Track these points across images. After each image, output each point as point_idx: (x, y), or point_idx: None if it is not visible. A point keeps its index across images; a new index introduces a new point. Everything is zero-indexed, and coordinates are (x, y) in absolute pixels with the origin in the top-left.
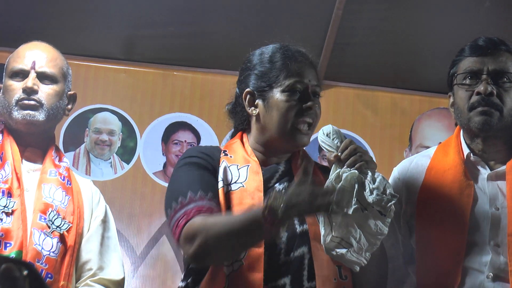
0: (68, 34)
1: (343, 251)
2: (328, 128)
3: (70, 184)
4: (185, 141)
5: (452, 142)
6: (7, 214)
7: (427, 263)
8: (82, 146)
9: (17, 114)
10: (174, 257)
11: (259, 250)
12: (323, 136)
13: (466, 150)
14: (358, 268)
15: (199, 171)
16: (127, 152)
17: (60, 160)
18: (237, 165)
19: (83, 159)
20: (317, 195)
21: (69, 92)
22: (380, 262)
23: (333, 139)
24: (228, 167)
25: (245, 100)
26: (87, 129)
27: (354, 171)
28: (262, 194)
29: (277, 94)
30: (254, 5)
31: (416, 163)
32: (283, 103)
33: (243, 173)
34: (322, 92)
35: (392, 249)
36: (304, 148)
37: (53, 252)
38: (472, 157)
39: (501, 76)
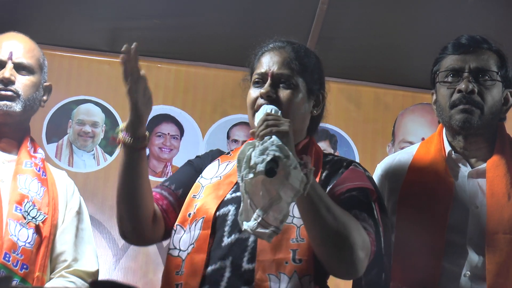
0: (52, 25)
1: (253, 224)
2: (257, 112)
3: (45, 175)
4: (168, 133)
5: (434, 140)
6: None
7: (405, 261)
8: (65, 138)
9: None
10: (156, 250)
11: (206, 232)
12: (256, 118)
13: (447, 148)
14: (270, 240)
15: (184, 167)
16: (110, 144)
17: (35, 151)
18: (229, 161)
19: (66, 150)
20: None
21: (45, 84)
22: (344, 233)
23: (258, 118)
24: (220, 164)
25: None
26: (70, 120)
27: (251, 141)
28: (232, 185)
29: (250, 89)
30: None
31: (399, 160)
32: (248, 96)
33: (229, 167)
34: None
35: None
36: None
37: (28, 243)
38: (453, 154)
39: (482, 74)
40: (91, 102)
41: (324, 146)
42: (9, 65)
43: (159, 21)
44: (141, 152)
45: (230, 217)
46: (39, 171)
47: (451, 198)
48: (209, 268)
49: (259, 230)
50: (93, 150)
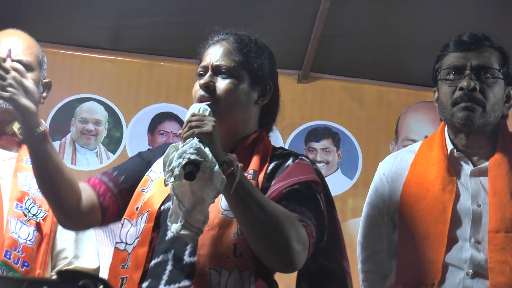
0: (54, 23)
1: (176, 226)
2: (190, 108)
3: None
4: (171, 131)
5: (436, 138)
6: None
7: (408, 259)
8: (68, 136)
9: None
10: None
11: (149, 225)
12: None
13: (449, 146)
14: (193, 242)
15: (132, 157)
16: (113, 142)
17: None
18: None
19: (69, 148)
20: None
21: (44, 80)
22: (278, 228)
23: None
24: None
25: None
26: (73, 118)
27: (175, 144)
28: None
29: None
30: None
31: (400, 158)
32: (193, 88)
33: None
34: (308, 84)
35: (377, 243)
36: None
37: (29, 240)
38: (455, 153)
39: (484, 71)
40: (93, 100)
41: (327, 144)
42: (8, 63)
43: (161, 19)
44: (43, 144)
45: None
46: None
47: (453, 196)
48: (152, 262)
49: (183, 232)
50: (96, 148)
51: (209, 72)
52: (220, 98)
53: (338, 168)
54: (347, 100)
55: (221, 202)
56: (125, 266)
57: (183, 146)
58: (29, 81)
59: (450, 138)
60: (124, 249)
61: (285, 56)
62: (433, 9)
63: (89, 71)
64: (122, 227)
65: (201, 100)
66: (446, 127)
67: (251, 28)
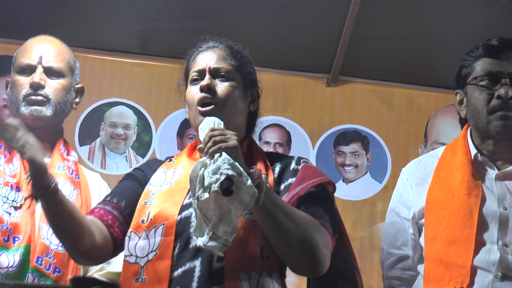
0: (85, 28)
1: (203, 238)
2: (203, 122)
3: (78, 178)
4: None
5: (459, 143)
6: (16, 208)
7: (436, 263)
8: (98, 140)
9: (25, 109)
10: None
11: (169, 238)
12: (200, 130)
13: (473, 151)
14: (221, 253)
15: (123, 181)
16: (142, 146)
17: (68, 154)
18: (175, 168)
19: (99, 152)
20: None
21: (76, 86)
22: (303, 234)
23: (204, 131)
24: (165, 171)
25: (186, 107)
26: (103, 122)
27: (201, 160)
28: (186, 190)
29: (187, 89)
30: (270, 0)
31: (424, 163)
32: (188, 94)
33: (177, 173)
34: (338, 88)
35: (402, 249)
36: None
37: (61, 246)
38: (479, 157)
39: None
40: (123, 105)
41: (356, 147)
42: (39, 70)
43: (191, 23)
44: (55, 198)
45: (193, 219)
46: (71, 174)
47: (479, 200)
48: (178, 271)
49: (210, 244)
50: (125, 152)
51: (208, 75)
52: (221, 100)
53: (367, 172)
54: (376, 103)
55: None
56: (140, 280)
57: (214, 161)
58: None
59: (474, 143)
60: (136, 262)
61: (314, 59)
62: (462, 12)
63: (119, 76)
64: (129, 240)
65: (203, 102)
66: (468, 131)
67: (280, 32)
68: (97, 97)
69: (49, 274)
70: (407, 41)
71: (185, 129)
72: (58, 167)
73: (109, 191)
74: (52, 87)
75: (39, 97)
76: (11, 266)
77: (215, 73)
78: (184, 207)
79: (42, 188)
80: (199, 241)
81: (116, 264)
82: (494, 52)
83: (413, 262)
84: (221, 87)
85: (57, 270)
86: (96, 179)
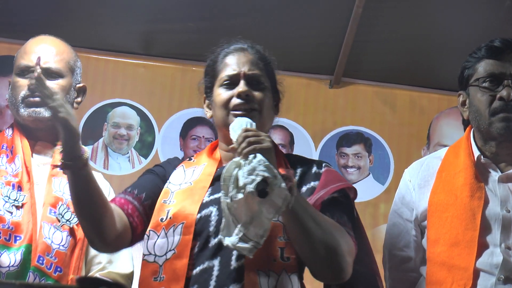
0: (88, 29)
1: (233, 239)
2: (234, 122)
3: None
4: (203, 136)
5: (462, 144)
6: (17, 208)
7: (438, 265)
8: (101, 140)
9: (23, 111)
10: None
11: (188, 237)
12: (231, 130)
13: (476, 152)
14: (251, 255)
15: (144, 175)
16: (145, 146)
17: None
18: (195, 167)
19: (101, 153)
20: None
21: (78, 85)
22: (329, 240)
23: (235, 132)
24: (185, 170)
25: (204, 106)
26: (106, 123)
27: (235, 160)
28: (205, 189)
29: (217, 91)
30: (273, 1)
31: (427, 165)
32: (220, 97)
33: (196, 172)
34: (341, 90)
35: (405, 251)
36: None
37: (62, 245)
38: (482, 159)
39: None
40: (126, 105)
41: (359, 149)
42: (37, 71)
43: (194, 24)
44: (84, 171)
45: (213, 218)
46: None
47: (482, 202)
48: (196, 269)
49: (240, 245)
50: (128, 153)
51: (243, 81)
52: (258, 109)
53: (369, 173)
54: (379, 105)
55: None
56: (158, 279)
57: (249, 162)
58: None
59: (477, 144)
60: (154, 261)
61: (317, 61)
62: (465, 15)
63: (122, 76)
64: (148, 239)
65: (239, 108)
66: (471, 133)
67: (284, 33)
68: (100, 98)
69: (50, 273)
70: (410, 43)
71: (188, 129)
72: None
73: (111, 191)
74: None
75: (37, 99)
76: (13, 265)
77: (249, 79)
78: (203, 206)
79: (73, 158)
80: (228, 240)
81: (118, 264)
82: (496, 54)
83: (416, 264)
84: (257, 95)
85: (58, 269)
86: (98, 179)
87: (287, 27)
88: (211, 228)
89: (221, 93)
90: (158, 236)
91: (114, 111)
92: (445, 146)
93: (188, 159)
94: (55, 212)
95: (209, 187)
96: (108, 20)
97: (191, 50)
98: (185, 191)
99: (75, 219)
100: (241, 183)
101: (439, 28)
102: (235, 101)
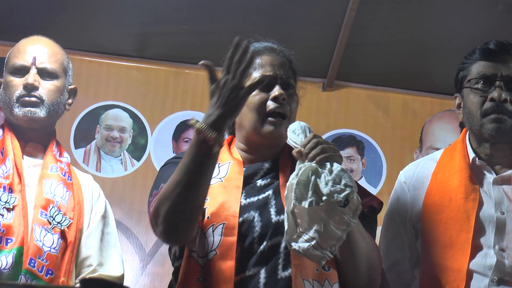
0: (81, 31)
1: (305, 245)
2: (294, 124)
3: (70, 180)
4: None
5: (457, 146)
6: (8, 210)
7: (431, 267)
8: (93, 143)
9: (18, 110)
10: None
11: (232, 239)
12: (290, 132)
13: (471, 154)
14: (323, 263)
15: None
16: (137, 149)
17: (60, 155)
18: (219, 163)
19: (94, 155)
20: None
21: (69, 87)
22: (368, 252)
23: (298, 135)
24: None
25: None
26: (98, 125)
27: (311, 164)
28: (240, 189)
29: None
30: (267, 4)
31: (422, 166)
32: (252, 97)
33: (223, 169)
34: (334, 93)
35: (399, 252)
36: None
37: (53, 248)
38: (477, 161)
39: None
40: (119, 108)
41: (351, 152)
42: (33, 71)
43: (187, 27)
44: (217, 154)
45: (256, 223)
46: (64, 175)
47: (476, 204)
48: (242, 275)
49: (312, 252)
50: (120, 155)
51: (279, 85)
52: (290, 115)
53: (362, 177)
54: (372, 108)
55: None
56: (201, 279)
57: (330, 171)
58: None
59: (472, 146)
60: (197, 260)
61: (310, 64)
62: (458, 18)
63: (115, 79)
64: (197, 236)
65: (273, 112)
66: (467, 135)
67: (277, 36)
68: (93, 100)
69: (41, 276)
70: (403, 46)
71: (180, 132)
72: (51, 168)
73: (101, 193)
74: (45, 88)
75: (33, 99)
76: (4, 268)
77: (284, 84)
78: (243, 209)
79: (222, 135)
80: (295, 245)
81: (108, 267)
82: (490, 55)
83: (409, 265)
84: (291, 100)
85: (50, 272)
86: (88, 181)
87: (280, 30)
88: (256, 234)
89: (254, 94)
90: (197, 235)
91: (107, 113)
92: (437, 149)
93: None
94: (46, 215)
95: (243, 188)
96: (101, 22)
97: (184, 53)
98: (218, 189)
99: (66, 222)
100: (325, 191)
101: (432, 31)
102: (272, 105)
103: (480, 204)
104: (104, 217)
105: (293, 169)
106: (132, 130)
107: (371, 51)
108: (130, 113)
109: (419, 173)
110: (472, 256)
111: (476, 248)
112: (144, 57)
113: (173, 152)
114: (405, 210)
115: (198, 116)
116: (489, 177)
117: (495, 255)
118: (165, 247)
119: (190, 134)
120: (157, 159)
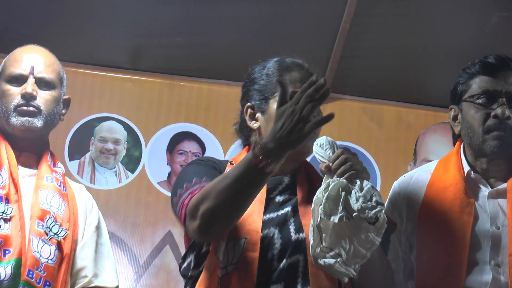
0: (76, 43)
1: (331, 261)
2: (322, 139)
3: (65, 190)
4: (190, 151)
5: (452, 158)
6: (5, 221)
7: (427, 280)
8: (87, 155)
9: (16, 120)
10: (177, 267)
11: (253, 254)
12: (317, 147)
13: (466, 167)
14: (346, 280)
15: (206, 167)
16: (132, 161)
17: (55, 165)
18: None
19: (88, 167)
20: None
21: (64, 97)
22: (385, 273)
23: (325, 150)
24: None
25: (246, 114)
26: (93, 137)
27: (342, 180)
28: (263, 204)
29: (274, 105)
30: (261, 16)
31: (416, 178)
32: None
33: None
34: (328, 105)
35: (393, 264)
36: (308, 160)
37: (51, 259)
38: (472, 174)
39: None
40: (113, 120)
41: None
42: (31, 80)
43: (182, 39)
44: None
45: (276, 240)
46: (60, 186)
47: (471, 218)
48: None
49: (337, 268)
50: (115, 167)
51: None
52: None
53: None
54: (366, 120)
55: None
56: None
57: (360, 188)
58: None
59: (467, 160)
60: (214, 270)
61: None
62: (452, 31)
63: (109, 91)
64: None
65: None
66: (461, 147)
67: (271, 49)
68: (87, 112)
69: (39, 287)
70: (397, 59)
71: (175, 144)
72: (46, 179)
73: (94, 203)
74: (43, 98)
75: (31, 108)
76: (4, 280)
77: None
78: (264, 225)
79: (278, 163)
80: (321, 260)
81: (103, 278)
82: (491, 70)
83: (404, 277)
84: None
85: (47, 283)
86: (81, 191)
87: (274, 43)
88: (275, 251)
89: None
90: (223, 244)
91: (101, 125)
92: (431, 161)
93: (229, 163)
94: (43, 225)
95: (265, 202)
96: (95, 34)
97: (178, 65)
98: None
99: (63, 233)
100: (356, 207)
101: (426, 44)
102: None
103: (475, 218)
104: (98, 227)
105: (310, 186)
106: (126, 142)
107: (365, 64)
108: (124, 125)
109: (413, 185)
110: (468, 271)
111: (472, 264)
112: (139, 69)
113: (167, 164)
114: (399, 221)
115: (193, 128)
116: (484, 190)
117: (490, 271)
118: (159, 259)
119: (185, 146)
120: (151, 171)
